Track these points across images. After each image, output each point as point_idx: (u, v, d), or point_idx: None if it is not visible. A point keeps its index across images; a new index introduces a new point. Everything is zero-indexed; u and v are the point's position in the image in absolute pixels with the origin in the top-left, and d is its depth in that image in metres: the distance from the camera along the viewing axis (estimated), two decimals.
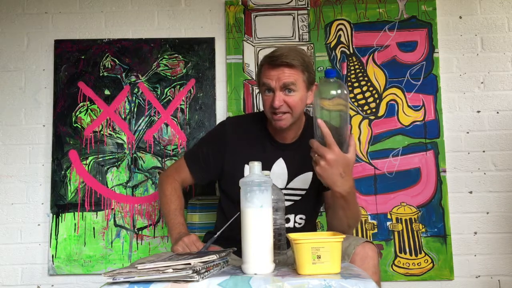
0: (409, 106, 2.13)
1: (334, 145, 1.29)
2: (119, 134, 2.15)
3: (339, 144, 1.29)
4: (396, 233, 2.07)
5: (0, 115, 2.18)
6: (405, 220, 2.08)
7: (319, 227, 2.07)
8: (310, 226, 1.65)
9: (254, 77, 2.15)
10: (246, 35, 2.18)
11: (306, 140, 1.44)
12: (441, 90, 2.14)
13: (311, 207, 1.63)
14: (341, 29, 2.18)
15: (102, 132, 2.14)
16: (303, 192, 1.60)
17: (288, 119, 1.53)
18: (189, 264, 1.10)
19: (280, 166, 1.60)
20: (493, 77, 2.17)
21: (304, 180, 1.60)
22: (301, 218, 1.60)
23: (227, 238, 1.57)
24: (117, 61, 2.18)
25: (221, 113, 2.16)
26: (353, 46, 2.17)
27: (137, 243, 2.08)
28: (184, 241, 1.48)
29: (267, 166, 1.56)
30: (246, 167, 1.58)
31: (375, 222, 2.08)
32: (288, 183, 1.60)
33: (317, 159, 1.30)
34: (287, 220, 1.56)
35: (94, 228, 2.09)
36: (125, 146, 2.14)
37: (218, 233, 1.46)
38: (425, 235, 2.06)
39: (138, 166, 2.13)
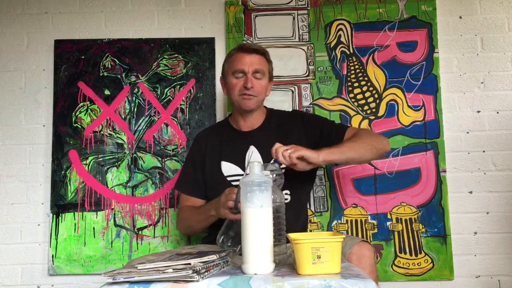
0: (409, 106, 2.13)
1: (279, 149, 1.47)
2: (119, 134, 2.15)
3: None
4: (396, 233, 2.07)
5: (0, 115, 2.19)
6: (405, 220, 2.07)
7: (319, 227, 2.07)
8: (297, 203, 1.71)
9: None
10: (246, 35, 2.18)
11: (270, 125, 1.78)
12: (441, 90, 2.14)
13: (295, 183, 1.66)
14: (341, 29, 2.18)
15: (102, 132, 2.14)
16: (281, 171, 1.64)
17: (254, 102, 1.72)
18: (189, 264, 1.10)
19: (253, 152, 1.72)
20: (493, 77, 2.17)
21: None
22: (286, 194, 1.66)
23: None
24: (117, 61, 2.18)
25: (221, 113, 2.16)
26: (353, 46, 2.17)
27: (137, 243, 2.08)
28: (221, 198, 1.47)
29: (240, 155, 1.72)
30: (222, 163, 1.74)
31: (375, 222, 2.08)
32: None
33: (293, 163, 1.45)
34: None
35: (94, 228, 2.09)
36: (125, 146, 2.14)
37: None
38: (425, 235, 2.06)
39: (138, 166, 2.13)
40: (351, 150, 1.56)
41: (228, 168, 1.73)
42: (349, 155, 1.56)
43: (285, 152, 1.44)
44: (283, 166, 1.48)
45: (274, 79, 1.88)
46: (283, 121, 1.80)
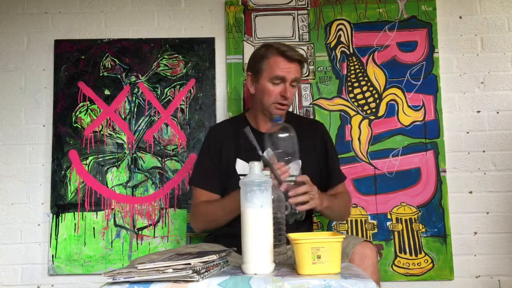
0: (409, 106, 2.13)
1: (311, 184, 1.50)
2: (119, 134, 2.15)
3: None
4: (396, 233, 2.07)
5: (0, 115, 2.19)
6: (405, 220, 2.08)
7: (319, 227, 2.07)
8: (306, 214, 1.65)
9: None
10: (246, 35, 2.18)
11: None
12: (441, 90, 2.14)
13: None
14: (341, 29, 2.18)
15: (102, 132, 2.14)
16: (293, 178, 1.61)
17: (285, 111, 1.71)
18: (189, 264, 1.10)
19: (269, 155, 1.65)
20: (493, 77, 2.17)
21: (294, 167, 1.64)
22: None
23: (227, 235, 1.58)
24: (117, 61, 2.18)
25: (221, 113, 2.16)
26: (353, 46, 2.17)
27: (137, 243, 2.08)
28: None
29: (256, 156, 1.61)
30: (238, 160, 1.69)
31: (375, 222, 2.08)
32: None
33: (311, 197, 1.47)
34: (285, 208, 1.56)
35: (94, 228, 2.09)
36: (125, 146, 2.14)
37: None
38: (425, 235, 2.06)
39: (138, 166, 2.13)
40: (337, 209, 1.69)
41: (242, 167, 1.67)
42: (334, 212, 1.67)
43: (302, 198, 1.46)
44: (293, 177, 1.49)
45: None
46: (303, 128, 1.73)
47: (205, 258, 1.15)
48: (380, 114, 2.13)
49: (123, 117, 2.16)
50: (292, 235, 1.23)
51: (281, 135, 1.48)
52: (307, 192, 1.46)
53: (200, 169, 1.76)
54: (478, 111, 2.16)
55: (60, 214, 2.09)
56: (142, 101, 2.16)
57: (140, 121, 2.15)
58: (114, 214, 2.10)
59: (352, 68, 2.16)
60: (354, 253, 1.38)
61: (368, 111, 2.14)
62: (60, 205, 2.10)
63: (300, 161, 1.65)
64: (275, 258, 1.24)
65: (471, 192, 2.11)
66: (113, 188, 2.12)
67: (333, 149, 1.81)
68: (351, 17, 2.18)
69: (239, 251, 1.31)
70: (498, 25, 2.20)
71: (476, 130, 2.14)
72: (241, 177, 1.66)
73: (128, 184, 2.12)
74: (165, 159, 2.13)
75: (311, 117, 2.13)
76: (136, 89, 2.17)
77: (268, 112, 1.69)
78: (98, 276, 2.05)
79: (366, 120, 2.13)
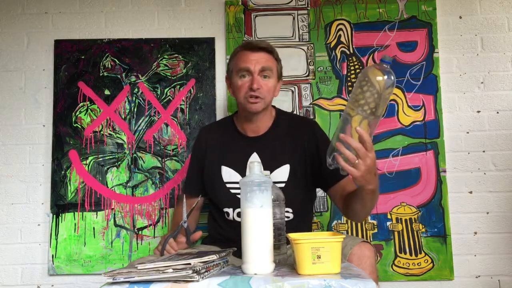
0: (409, 106, 2.13)
1: (372, 149, 1.34)
2: (119, 134, 2.15)
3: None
4: (396, 233, 2.07)
5: (0, 115, 2.19)
6: (405, 220, 2.08)
7: (319, 227, 2.07)
8: (300, 220, 1.63)
9: None
10: (246, 35, 2.18)
11: (277, 132, 1.65)
12: (441, 90, 2.14)
13: (297, 199, 1.60)
14: (341, 29, 2.18)
15: (102, 132, 2.14)
16: (282, 185, 1.59)
17: (261, 104, 1.60)
18: (189, 264, 1.10)
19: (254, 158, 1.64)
20: (493, 77, 2.17)
21: (281, 173, 1.63)
22: (287, 211, 1.57)
23: (227, 239, 1.58)
24: (117, 61, 2.18)
25: (221, 113, 2.16)
26: (353, 46, 2.17)
27: (137, 243, 2.08)
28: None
29: (242, 162, 1.63)
30: (222, 168, 1.66)
31: (375, 222, 2.08)
32: None
33: (359, 164, 1.30)
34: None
35: (94, 228, 2.09)
36: (125, 146, 2.14)
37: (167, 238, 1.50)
38: (425, 235, 2.06)
39: (138, 166, 2.13)
40: (374, 202, 1.48)
41: (228, 174, 1.65)
42: (372, 202, 1.46)
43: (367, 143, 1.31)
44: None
45: None
46: (293, 128, 1.69)
47: (205, 258, 1.15)
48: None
49: (123, 117, 2.16)
50: (292, 235, 1.23)
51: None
52: (359, 152, 1.31)
53: (187, 172, 1.81)
54: (478, 111, 2.16)
55: (60, 214, 2.09)
56: (142, 101, 2.16)
57: (140, 121, 2.15)
58: (114, 214, 2.10)
59: (352, 68, 2.16)
60: (352, 254, 1.38)
61: (368, 111, 2.14)
62: (60, 205, 2.10)
63: (288, 165, 1.63)
64: (275, 258, 1.24)
65: (471, 192, 2.11)
66: (113, 188, 2.12)
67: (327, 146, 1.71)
68: (351, 17, 2.18)
69: (236, 254, 1.31)
70: (498, 25, 2.20)
71: (476, 130, 2.14)
72: (227, 185, 1.65)
73: (128, 184, 2.12)
74: (165, 159, 2.13)
75: (311, 117, 2.12)
76: (136, 89, 2.17)
77: (245, 110, 1.64)
78: (98, 276, 2.05)
79: (366, 120, 2.13)
